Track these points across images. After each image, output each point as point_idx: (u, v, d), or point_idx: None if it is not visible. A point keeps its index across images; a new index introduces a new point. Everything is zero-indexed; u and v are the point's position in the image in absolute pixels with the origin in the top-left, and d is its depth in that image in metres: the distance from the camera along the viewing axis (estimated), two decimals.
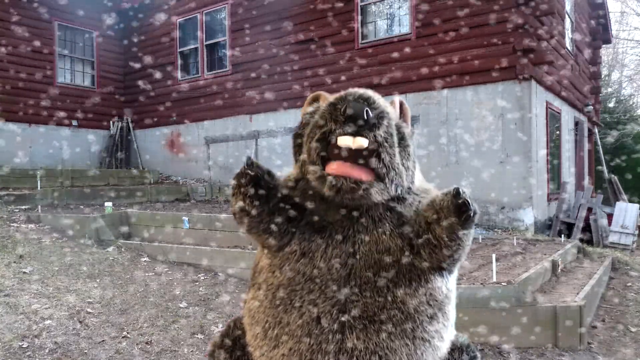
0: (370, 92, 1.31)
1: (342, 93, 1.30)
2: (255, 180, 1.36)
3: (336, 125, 1.24)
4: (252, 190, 1.36)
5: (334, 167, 1.28)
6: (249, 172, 1.36)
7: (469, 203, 1.24)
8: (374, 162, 1.26)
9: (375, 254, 1.33)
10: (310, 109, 1.43)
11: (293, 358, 1.35)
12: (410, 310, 1.33)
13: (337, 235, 1.35)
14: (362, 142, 1.23)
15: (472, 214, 1.25)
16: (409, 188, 1.41)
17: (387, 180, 1.29)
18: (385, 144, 1.26)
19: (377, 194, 1.30)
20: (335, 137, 1.25)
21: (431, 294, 1.36)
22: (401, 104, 1.45)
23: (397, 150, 1.31)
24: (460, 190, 1.25)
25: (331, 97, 1.35)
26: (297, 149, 1.43)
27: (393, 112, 1.37)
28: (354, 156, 1.25)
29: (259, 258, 1.51)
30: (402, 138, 1.35)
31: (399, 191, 1.36)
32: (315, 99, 1.46)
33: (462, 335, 1.58)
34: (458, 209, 1.25)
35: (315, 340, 1.32)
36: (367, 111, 1.21)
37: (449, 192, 1.28)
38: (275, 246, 1.41)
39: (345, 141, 1.23)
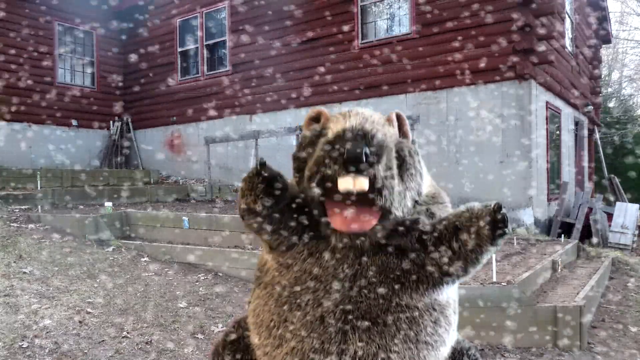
0: (368, 124, 1.28)
1: (340, 128, 1.28)
2: (268, 181, 1.35)
3: (335, 165, 1.23)
4: (265, 191, 1.34)
5: (336, 219, 1.27)
6: (263, 172, 1.35)
7: (506, 222, 1.25)
8: (376, 199, 1.25)
9: (383, 255, 1.32)
10: (311, 128, 1.40)
11: (295, 357, 1.34)
12: (415, 313, 1.32)
13: (345, 235, 1.34)
14: (362, 184, 1.21)
15: (504, 233, 1.26)
16: (415, 201, 1.41)
17: (392, 210, 1.28)
18: (386, 181, 1.25)
19: (383, 231, 1.30)
20: (334, 178, 1.23)
21: (436, 299, 1.36)
22: (399, 118, 1.43)
23: (397, 181, 1.29)
24: (503, 207, 1.26)
25: (332, 121, 1.33)
26: (296, 171, 1.41)
27: (391, 133, 1.35)
28: (355, 197, 1.24)
29: (265, 258, 1.50)
30: (402, 162, 1.34)
31: (405, 211, 1.35)
32: (316, 119, 1.43)
33: (464, 340, 1.58)
34: (494, 224, 1.25)
35: (318, 340, 1.31)
36: (365, 152, 1.20)
37: (489, 204, 1.28)
38: (283, 246, 1.40)
39: (346, 184, 1.21)
